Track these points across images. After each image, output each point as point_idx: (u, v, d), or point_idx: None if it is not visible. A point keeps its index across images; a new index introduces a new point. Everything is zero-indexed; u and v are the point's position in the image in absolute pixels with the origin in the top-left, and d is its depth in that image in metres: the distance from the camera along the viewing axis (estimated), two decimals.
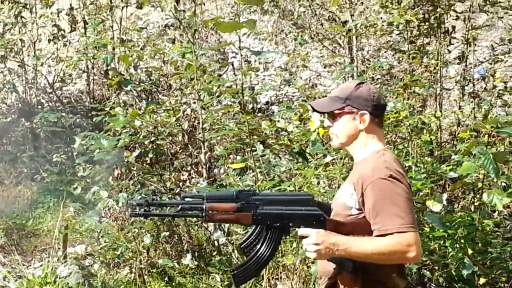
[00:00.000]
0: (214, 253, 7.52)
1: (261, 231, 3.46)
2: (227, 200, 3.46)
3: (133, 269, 7.28)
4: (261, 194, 3.56)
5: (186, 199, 3.51)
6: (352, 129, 3.56)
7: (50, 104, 12.30)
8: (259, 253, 3.47)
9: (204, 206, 3.43)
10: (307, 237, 3.34)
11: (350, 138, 3.58)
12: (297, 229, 3.41)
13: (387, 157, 3.45)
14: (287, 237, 3.49)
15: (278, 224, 3.44)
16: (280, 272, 6.57)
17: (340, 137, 3.60)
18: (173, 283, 7.25)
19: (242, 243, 3.50)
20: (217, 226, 7.41)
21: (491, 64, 9.99)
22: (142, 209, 3.45)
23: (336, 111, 3.57)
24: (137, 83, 9.22)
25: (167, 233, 7.61)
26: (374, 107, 3.54)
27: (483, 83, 9.36)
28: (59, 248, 7.72)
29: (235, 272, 3.53)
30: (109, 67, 10.09)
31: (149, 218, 7.31)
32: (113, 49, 10.71)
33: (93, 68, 12.24)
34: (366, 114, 3.53)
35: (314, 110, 3.79)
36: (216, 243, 7.39)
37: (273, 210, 3.45)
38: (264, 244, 3.47)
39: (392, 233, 3.23)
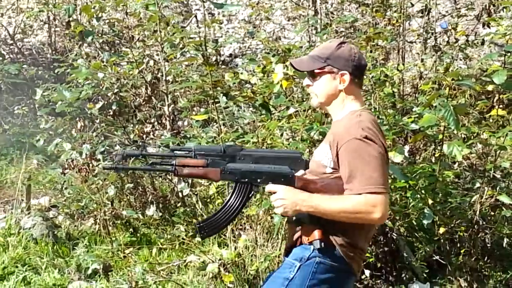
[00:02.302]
0: (178, 205, 7.56)
1: (240, 188, 3.54)
2: (211, 155, 3.54)
3: (98, 220, 7.29)
4: (249, 150, 3.65)
5: (174, 151, 3.61)
6: (331, 89, 3.58)
7: (11, 56, 12.12)
8: (226, 207, 3.56)
9: (174, 161, 3.50)
10: (275, 193, 3.41)
11: (330, 98, 3.60)
12: (265, 185, 3.48)
13: (363, 117, 3.47)
14: (256, 192, 3.56)
15: (246, 179, 3.51)
16: (244, 223, 6.62)
17: (319, 96, 3.63)
18: (138, 234, 7.29)
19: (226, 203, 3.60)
20: (180, 178, 7.44)
21: (453, 17, 10.07)
22: (120, 163, 3.52)
23: (317, 71, 3.59)
24: (100, 34, 9.12)
25: (131, 185, 7.64)
26: (355, 68, 3.56)
27: (445, 37, 9.43)
28: (22, 200, 7.71)
29: (201, 224, 3.60)
30: (70, 19, 9.96)
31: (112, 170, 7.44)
32: (75, 0, 10.57)
33: (54, 19, 12.06)
34: (346, 74, 3.54)
35: (295, 68, 3.80)
36: (180, 194, 7.42)
37: (241, 166, 3.52)
38: (232, 198, 3.55)
39: (360, 193, 3.29)
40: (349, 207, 3.30)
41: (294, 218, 3.48)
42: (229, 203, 3.55)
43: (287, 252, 3.64)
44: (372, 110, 6.74)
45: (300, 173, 3.53)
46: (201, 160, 3.53)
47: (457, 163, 6.87)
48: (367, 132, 3.37)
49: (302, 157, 3.59)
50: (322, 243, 3.39)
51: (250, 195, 3.55)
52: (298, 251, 3.53)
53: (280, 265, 3.80)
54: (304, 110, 6.44)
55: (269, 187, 3.46)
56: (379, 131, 3.46)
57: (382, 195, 3.29)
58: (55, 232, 7.08)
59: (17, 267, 6.49)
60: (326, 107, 3.66)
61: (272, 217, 6.11)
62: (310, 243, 3.44)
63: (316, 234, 3.41)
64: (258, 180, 3.50)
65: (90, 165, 7.66)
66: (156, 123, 8.58)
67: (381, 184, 3.30)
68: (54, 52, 11.80)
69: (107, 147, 7.64)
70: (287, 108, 6.62)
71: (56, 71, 9.39)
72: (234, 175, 3.52)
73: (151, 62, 8.62)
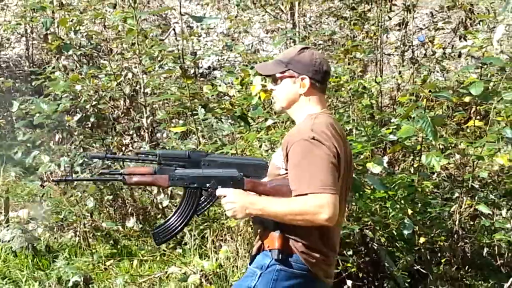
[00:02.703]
0: (159, 216, 7.55)
1: (192, 195, 3.55)
2: (178, 158, 3.56)
3: (78, 233, 7.27)
4: (214, 156, 3.65)
5: (139, 155, 3.64)
6: (292, 93, 3.58)
7: None
8: (177, 212, 3.59)
9: (122, 171, 3.57)
10: (225, 196, 3.44)
11: (290, 102, 3.60)
12: (215, 189, 3.51)
13: (318, 120, 3.46)
14: (208, 196, 3.55)
15: (195, 184, 3.53)
16: (225, 234, 6.63)
17: (281, 100, 3.63)
18: (118, 246, 7.26)
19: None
20: (160, 190, 7.44)
21: (430, 30, 10.17)
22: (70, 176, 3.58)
23: (278, 75, 3.60)
24: (78, 47, 9.10)
25: (111, 197, 7.62)
26: (315, 72, 3.56)
27: (422, 49, 9.52)
28: (0, 213, 7.66)
29: (155, 231, 3.65)
30: (48, 31, 9.94)
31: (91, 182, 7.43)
32: (53, 12, 10.55)
33: (32, 32, 12.04)
34: (306, 79, 3.55)
35: (258, 73, 3.83)
36: (160, 206, 7.41)
37: (189, 172, 3.54)
38: (183, 203, 3.57)
39: (306, 194, 3.26)
40: (295, 208, 3.28)
41: (256, 221, 3.52)
42: (180, 209, 3.57)
43: (252, 259, 3.63)
44: (350, 121, 6.79)
45: (264, 179, 3.54)
46: (148, 168, 3.59)
47: (435, 174, 6.92)
48: (316, 133, 3.35)
49: (267, 164, 3.60)
50: (280, 254, 3.39)
51: (201, 199, 3.55)
52: (260, 258, 3.53)
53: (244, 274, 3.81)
54: (282, 122, 6.48)
55: (219, 191, 3.48)
56: (334, 134, 3.42)
57: (329, 195, 3.24)
58: (35, 245, 7.04)
59: None
60: (287, 111, 3.67)
61: (252, 228, 6.12)
62: (270, 250, 3.44)
63: (276, 242, 3.40)
64: (207, 185, 3.52)
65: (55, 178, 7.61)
66: (134, 135, 8.56)
67: (327, 184, 3.26)
68: (31, 64, 11.77)
69: (85, 160, 7.62)
70: (266, 119, 6.64)
71: (33, 84, 9.36)
72: (183, 181, 3.53)
73: (130, 75, 8.61)
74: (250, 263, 3.63)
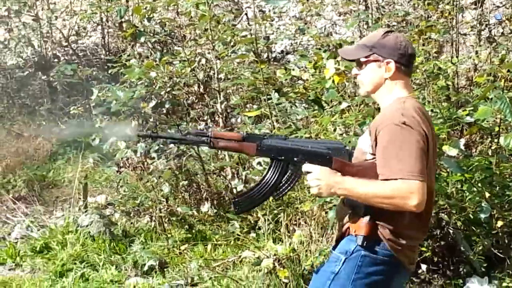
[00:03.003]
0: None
1: (277, 168, 3.51)
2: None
3: (153, 218, 7.39)
4: (270, 139, 3.56)
5: (188, 135, 3.58)
6: (377, 77, 3.56)
7: (66, 58, 12.33)
8: (262, 183, 3.54)
9: (209, 133, 3.51)
10: (310, 173, 3.40)
11: (376, 86, 3.58)
12: (301, 164, 3.46)
13: (407, 104, 3.43)
14: (293, 170, 3.51)
15: (282, 157, 3.49)
16: (299, 219, 6.62)
17: (366, 84, 3.61)
18: (193, 231, 7.34)
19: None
20: (234, 174, 7.48)
21: (507, 8, 9.91)
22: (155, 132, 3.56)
23: (362, 59, 3.58)
24: (152, 34, 9.20)
25: (186, 182, 7.70)
26: (401, 56, 3.53)
27: (500, 28, 9.30)
28: (79, 198, 7.86)
29: (236, 199, 3.62)
30: (123, 20, 10.08)
31: (167, 167, 7.53)
32: (127, 1, 10.69)
33: (107, 20, 12.22)
34: (391, 63, 3.51)
35: (341, 57, 3.80)
36: (234, 190, 7.45)
37: (278, 143, 3.51)
38: (268, 175, 3.53)
39: (396, 179, 3.24)
40: (384, 192, 3.26)
41: (348, 206, 3.47)
42: (264, 180, 3.53)
43: (337, 242, 3.61)
44: (426, 103, 6.68)
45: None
46: (236, 133, 3.56)
47: None
48: (407, 118, 3.32)
49: (344, 147, 3.55)
50: (365, 241, 3.37)
51: (286, 173, 3.52)
52: (344, 243, 3.51)
53: (328, 258, 3.79)
54: (357, 105, 6.43)
55: (305, 166, 3.44)
56: (423, 119, 3.40)
57: (419, 182, 3.22)
58: (112, 230, 7.19)
59: (75, 264, 6.63)
60: (373, 95, 3.65)
61: (326, 212, 6.10)
62: (356, 235, 3.42)
63: (363, 228, 3.38)
64: (295, 159, 3.48)
65: (145, 163, 7.76)
66: (209, 120, 8.61)
67: (417, 171, 3.23)
68: (107, 52, 11.96)
69: (161, 145, 7.71)
70: (340, 103, 6.59)
71: (110, 72, 9.51)
72: (270, 152, 3.50)
73: (203, 61, 8.66)
74: (334, 248, 3.61)
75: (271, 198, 3.75)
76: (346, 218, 3.52)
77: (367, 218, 3.37)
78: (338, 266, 3.46)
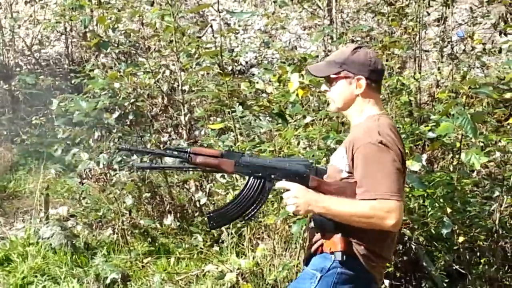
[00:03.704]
0: (196, 214, 7.58)
1: (252, 185, 3.49)
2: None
3: (116, 230, 7.33)
4: (248, 157, 3.56)
5: (167, 151, 3.59)
6: (348, 94, 3.55)
7: (29, 67, 12.24)
8: (237, 199, 3.52)
9: (188, 149, 3.47)
10: (288, 190, 3.39)
11: (347, 103, 3.57)
12: (278, 182, 3.45)
13: (382, 122, 3.44)
14: (269, 188, 3.50)
15: (260, 174, 3.47)
16: (262, 232, 6.62)
17: (336, 101, 3.60)
18: (156, 244, 7.30)
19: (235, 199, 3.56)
20: (198, 187, 7.47)
21: (469, 26, 10.04)
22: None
23: (333, 76, 3.56)
24: (116, 45, 9.16)
25: (149, 194, 7.66)
26: (371, 72, 3.52)
27: (462, 45, 9.41)
28: (41, 210, 7.76)
29: (211, 214, 3.57)
30: (87, 29, 10.03)
31: (130, 179, 7.49)
32: (91, 11, 10.63)
33: (71, 30, 12.15)
34: (362, 79, 3.51)
35: (311, 74, 3.79)
36: (197, 203, 7.43)
37: (256, 160, 3.51)
38: (244, 191, 3.50)
39: (374, 199, 3.25)
40: (363, 211, 3.25)
41: (316, 223, 3.44)
42: (240, 196, 3.51)
43: (307, 260, 3.60)
44: (390, 117, 6.72)
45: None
46: (215, 150, 3.54)
47: (475, 172, 6.82)
48: (383, 137, 3.33)
49: (311, 164, 3.54)
50: (344, 256, 3.36)
51: (263, 190, 3.49)
52: (319, 260, 3.49)
53: (299, 275, 3.77)
54: (321, 119, 6.45)
55: (283, 183, 3.42)
56: (397, 137, 3.42)
57: (396, 201, 3.23)
58: (74, 242, 7.11)
59: (36, 277, 6.53)
60: (344, 112, 3.64)
61: (290, 226, 6.10)
62: (332, 252, 3.41)
63: (339, 244, 3.38)
64: (272, 176, 3.46)
65: (108, 174, 7.72)
66: (172, 132, 8.60)
67: (395, 191, 3.25)
68: (71, 62, 11.89)
69: (124, 157, 7.66)
70: (304, 117, 6.61)
71: (73, 82, 9.44)
72: (248, 168, 3.48)
73: (167, 72, 8.65)
74: (306, 264, 3.60)
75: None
76: (317, 236, 3.52)
77: (339, 234, 3.37)
78: (313, 283, 3.44)
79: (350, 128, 3.67)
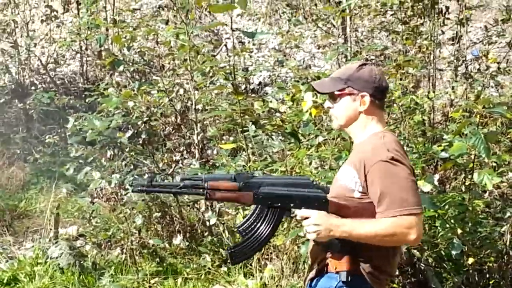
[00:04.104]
0: (205, 234, 7.53)
1: (261, 212, 3.43)
2: (228, 179, 3.42)
3: (124, 250, 7.29)
4: (260, 177, 3.53)
5: (185, 181, 3.45)
6: (352, 111, 3.52)
7: (44, 85, 12.30)
8: (257, 232, 3.44)
9: (205, 184, 3.38)
10: (307, 218, 3.33)
11: (350, 120, 3.54)
12: (297, 210, 3.38)
13: (387, 138, 3.42)
14: (288, 217, 3.45)
15: (279, 204, 3.40)
16: (271, 253, 6.58)
17: (340, 118, 3.56)
18: (164, 264, 7.24)
19: (240, 226, 3.48)
20: (208, 207, 7.42)
21: (484, 45, 9.97)
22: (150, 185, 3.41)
23: (337, 92, 3.53)
24: (130, 63, 9.17)
25: (159, 214, 7.61)
26: (375, 89, 3.49)
27: (476, 64, 9.34)
28: (50, 229, 7.74)
29: (233, 250, 3.50)
30: (102, 48, 10.06)
31: (141, 199, 7.45)
32: (106, 30, 10.67)
33: (86, 49, 12.21)
34: (366, 96, 3.48)
35: (315, 90, 3.75)
36: (207, 223, 7.38)
37: (274, 190, 3.41)
38: (264, 223, 3.43)
39: (395, 216, 3.22)
40: (385, 230, 3.24)
41: (323, 244, 3.39)
42: (260, 229, 3.44)
43: (311, 280, 3.55)
44: (402, 138, 6.67)
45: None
46: (233, 183, 3.42)
47: (487, 192, 6.74)
48: (394, 153, 3.30)
49: (312, 182, 3.49)
50: (349, 276, 3.33)
51: (281, 219, 3.44)
52: (324, 280, 3.46)
53: None
54: (333, 139, 6.41)
55: (302, 212, 3.36)
56: (404, 152, 3.41)
57: (416, 216, 3.23)
58: (82, 262, 7.08)
59: None
60: (346, 129, 3.61)
61: (298, 247, 6.05)
62: (337, 272, 3.38)
63: (344, 264, 3.35)
64: (291, 205, 3.39)
65: (119, 194, 7.70)
66: (185, 151, 8.55)
67: (414, 204, 3.24)
68: (85, 81, 11.93)
69: (136, 176, 7.63)
70: (316, 136, 6.57)
71: (87, 100, 9.45)
72: (267, 200, 3.40)
73: (181, 91, 8.63)
74: (310, 285, 3.56)
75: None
76: (322, 255, 3.47)
77: (345, 254, 3.35)
78: None
79: (354, 145, 3.63)
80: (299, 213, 3.37)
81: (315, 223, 3.29)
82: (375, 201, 3.31)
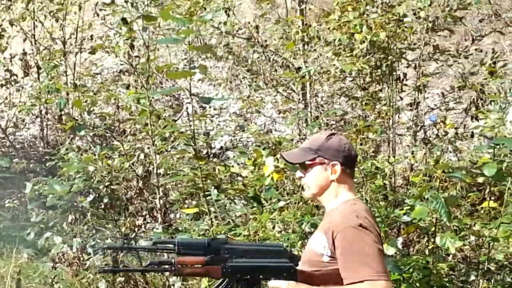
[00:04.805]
0: None
1: (229, 283, 3.44)
2: (197, 253, 3.42)
3: None
4: (233, 244, 3.55)
5: (157, 245, 3.50)
6: (323, 180, 3.59)
7: (3, 149, 12.18)
8: None
9: (173, 261, 3.40)
10: None
11: (322, 189, 3.61)
12: (267, 281, 3.41)
13: (357, 206, 3.49)
14: None
15: (248, 276, 3.42)
16: None
17: (312, 187, 3.63)
18: None
19: None
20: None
21: (442, 111, 10.19)
22: (110, 267, 3.42)
23: (308, 162, 3.61)
24: (91, 128, 9.17)
25: (123, 278, 7.54)
26: (345, 158, 3.58)
27: (434, 129, 9.53)
28: None
29: None
30: (62, 112, 10.05)
31: (104, 263, 7.39)
32: (67, 94, 10.68)
33: (46, 113, 12.17)
34: (337, 165, 3.56)
35: (286, 161, 3.82)
36: None
37: (243, 262, 3.43)
38: None
39: (362, 281, 3.25)
40: None
41: None
42: None
43: None
44: (364, 202, 6.74)
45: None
46: (200, 258, 3.43)
47: (451, 255, 6.83)
48: (362, 220, 3.36)
49: (285, 249, 3.54)
50: None
51: None
52: None
53: None
54: (295, 203, 6.45)
55: (272, 283, 3.38)
56: (374, 221, 3.46)
57: (384, 281, 3.25)
58: None
59: None
60: (319, 198, 3.66)
61: None
62: None
63: None
64: (261, 276, 3.42)
65: (81, 258, 7.61)
66: (147, 216, 8.55)
67: (381, 271, 3.26)
68: (46, 145, 11.85)
69: (98, 241, 7.58)
70: (278, 200, 6.61)
71: (47, 165, 9.38)
72: (236, 273, 3.42)
73: (142, 155, 8.64)
74: None
75: None
76: None
77: None
78: None
79: (325, 213, 3.68)
80: (270, 284, 3.40)
81: None
82: (342, 266, 3.34)
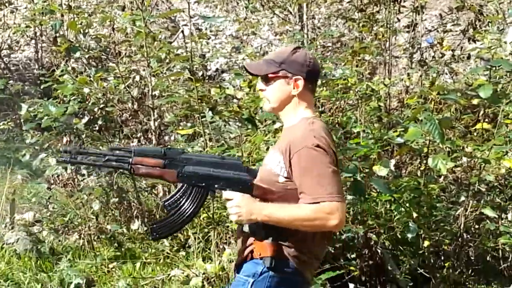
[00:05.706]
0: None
1: (186, 190, 3.43)
2: (155, 156, 3.42)
3: (82, 235, 7.26)
4: (190, 154, 3.54)
5: (114, 152, 3.48)
6: (284, 94, 3.49)
7: None
8: (181, 210, 3.44)
9: (130, 160, 3.40)
10: (231, 200, 3.35)
11: (282, 103, 3.51)
12: (222, 191, 3.41)
13: (316, 125, 3.42)
14: (213, 197, 3.48)
15: (203, 184, 3.42)
16: (229, 237, 6.60)
17: (272, 101, 3.53)
18: (122, 249, 7.22)
19: (167, 201, 3.49)
20: (166, 192, 7.42)
21: (439, 32, 10.11)
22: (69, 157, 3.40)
23: (270, 75, 3.50)
24: (86, 50, 9.09)
25: (116, 199, 7.59)
26: (309, 73, 3.50)
27: (431, 52, 9.47)
28: (6, 215, 7.66)
29: (154, 226, 3.53)
30: (57, 34, 9.95)
31: (98, 184, 7.43)
32: (62, 15, 10.56)
33: (41, 35, 12.05)
34: (300, 80, 3.48)
35: (248, 72, 3.75)
36: (165, 209, 7.37)
37: (199, 170, 3.43)
38: (188, 201, 3.43)
39: (318, 202, 3.24)
40: (305, 215, 3.26)
41: (247, 229, 3.40)
42: (183, 207, 3.43)
43: (238, 267, 3.56)
44: (358, 123, 6.74)
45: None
46: (158, 160, 3.42)
47: (442, 177, 6.86)
48: (319, 141, 3.32)
49: (242, 164, 3.53)
50: (273, 261, 3.34)
51: (205, 199, 3.46)
52: (250, 266, 3.46)
53: (232, 282, 3.73)
54: None
55: (226, 193, 3.38)
56: (331, 139, 3.42)
57: (338, 202, 3.25)
58: (39, 247, 7.02)
59: None
60: (278, 112, 3.58)
61: None
62: (261, 258, 3.38)
63: (268, 249, 3.35)
64: (215, 185, 3.41)
65: (76, 180, 7.65)
66: (142, 138, 8.54)
67: (335, 192, 3.26)
68: (40, 67, 11.77)
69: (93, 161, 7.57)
70: (273, 122, 6.61)
71: (42, 87, 9.34)
72: (191, 179, 3.41)
73: (138, 77, 8.60)
74: (237, 272, 3.56)
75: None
76: (248, 241, 3.48)
77: (269, 240, 3.35)
78: None
79: (283, 129, 3.63)
80: (224, 194, 3.40)
81: (237, 205, 3.32)
82: (298, 186, 3.33)
